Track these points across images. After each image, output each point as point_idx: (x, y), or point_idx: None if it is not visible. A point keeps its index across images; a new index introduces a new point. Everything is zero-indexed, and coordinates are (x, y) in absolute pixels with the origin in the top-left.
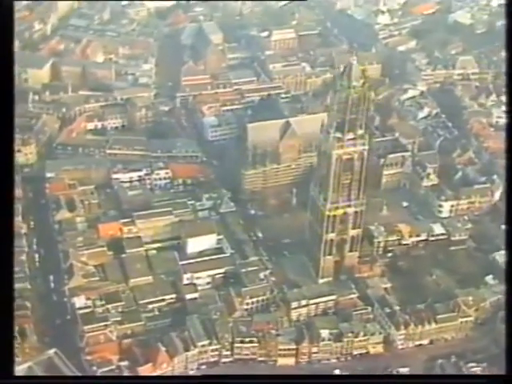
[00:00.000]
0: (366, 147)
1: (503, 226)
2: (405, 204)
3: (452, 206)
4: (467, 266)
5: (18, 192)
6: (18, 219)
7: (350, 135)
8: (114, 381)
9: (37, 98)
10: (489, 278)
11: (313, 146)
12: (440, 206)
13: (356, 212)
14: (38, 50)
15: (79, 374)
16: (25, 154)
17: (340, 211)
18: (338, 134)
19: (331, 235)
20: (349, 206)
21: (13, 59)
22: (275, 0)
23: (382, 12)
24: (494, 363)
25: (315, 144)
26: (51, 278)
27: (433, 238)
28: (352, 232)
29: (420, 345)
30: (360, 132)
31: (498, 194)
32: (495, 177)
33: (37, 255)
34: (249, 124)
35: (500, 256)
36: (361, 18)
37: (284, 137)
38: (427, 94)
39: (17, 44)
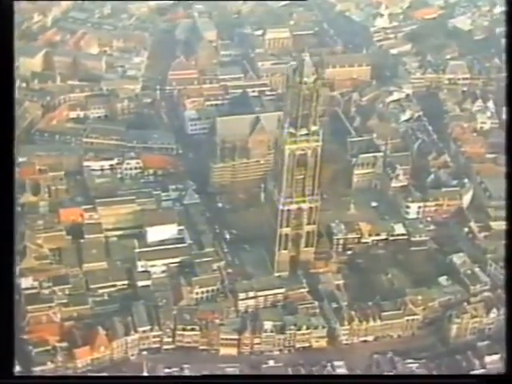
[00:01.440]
0: (320, 143)
1: (466, 229)
2: (374, 204)
3: (419, 207)
4: (424, 267)
5: None
6: None
7: (304, 131)
8: (114, 381)
9: (24, 85)
10: (442, 279)
11: None
12: (407, 207)
13: (311, 208)
14: (35, 40)
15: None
16: None
17: (294, 206)
18: (291, 130)
19: (285, 230)
20: (303, 201)
21: (13, 59)
22: (274, 0)
23: (381, 15)
24: (438, 361)
25: None
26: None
27: (393, 238)
28: (307, 227)
29: (365, 341)
30: (314, 128)
31: (467, 198)
32: (466, 180)
33: None
34: (218, 118)
35: (458, 258)
36: (358, 20)
37: (253, 132)
38: (412, 97)
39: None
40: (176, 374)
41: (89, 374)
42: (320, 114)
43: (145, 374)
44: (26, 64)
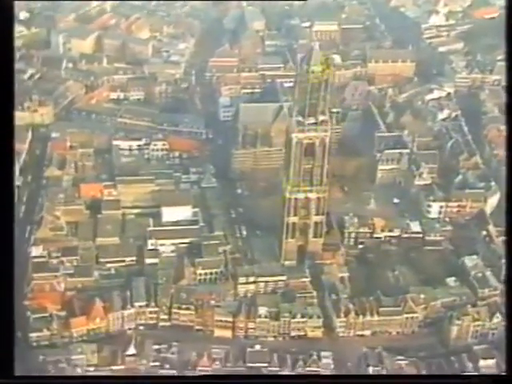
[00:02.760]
0: (328, 133)
1: (484, 232)
2: (395, 200)
3: (441, 207)
4: (435, 266)
5: (21, 148)
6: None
7: (311, 120)
8: (114, 381)
9: (71, 65)
10: (450, 280)
11: None
12: (429, 205)
13: (318, 198)
14: (90, 23)
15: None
16: (41, 115)
17: (301, 195)
18: (299, 118)
19: (293, 218)
20: (310, 190)
21: (13, 59)
22: None
23: (437, 12)
24: (429, 360)
25: None
26: (28, 228)
27: (407, 235)
28: (315, 218)
29: (361, 335)
30: (322, 118)
31: (492, 201)
32: (493, 183)
33: (23, 207)
34: (242, 104)
35: (470, 260)
36: (412, 17)
37: (276, 120)
38: (453, 96)
39: (72, 16)
40: (165, 350)
41: (89, 373)
42: (354, 107)
43: (132, 349)
44: (77, 46)
